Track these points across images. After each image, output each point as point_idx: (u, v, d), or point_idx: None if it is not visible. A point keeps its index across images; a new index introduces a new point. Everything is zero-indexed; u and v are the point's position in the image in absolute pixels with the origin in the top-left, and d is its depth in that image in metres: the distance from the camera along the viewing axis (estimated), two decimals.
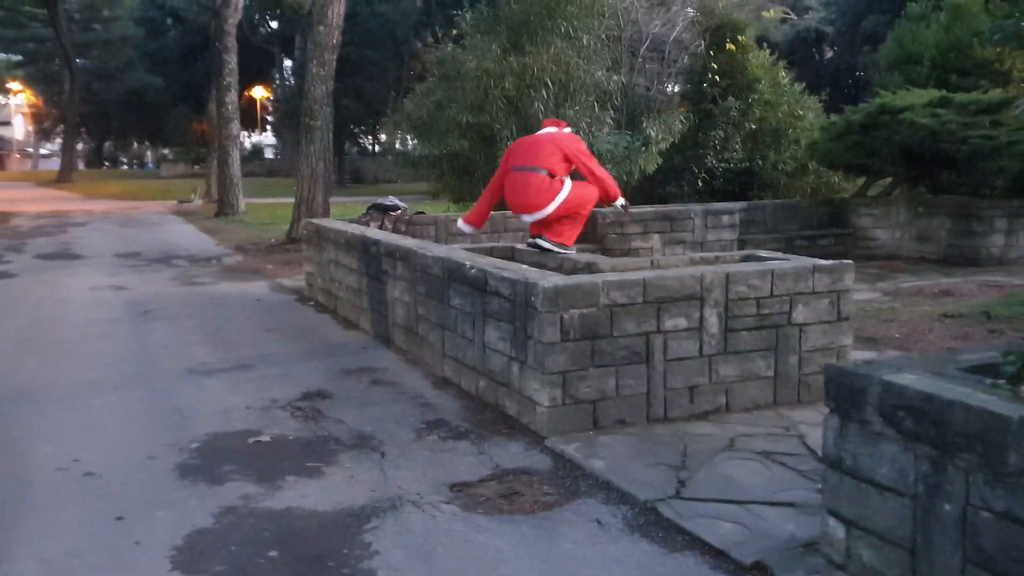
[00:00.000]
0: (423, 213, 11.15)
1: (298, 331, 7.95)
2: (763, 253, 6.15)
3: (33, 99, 56.40)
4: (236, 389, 5.91)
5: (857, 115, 12.36)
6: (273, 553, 3.49)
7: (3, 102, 61.10)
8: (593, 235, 10.89)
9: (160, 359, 6.89)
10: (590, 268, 5.57)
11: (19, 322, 8.44)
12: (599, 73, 11.58)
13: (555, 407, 4.72)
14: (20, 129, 72.02)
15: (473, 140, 11.28)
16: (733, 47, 14.08)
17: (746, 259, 5.92)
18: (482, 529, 3.69)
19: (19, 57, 51.85)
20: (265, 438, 4.89)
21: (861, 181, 13.99)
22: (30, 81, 53.35)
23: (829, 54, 32.18)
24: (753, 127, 14.22)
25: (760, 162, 14.14)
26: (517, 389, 5.00)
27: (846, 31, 30.52)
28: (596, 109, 11.46)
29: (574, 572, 3.33)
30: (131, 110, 50.67)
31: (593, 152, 11.36)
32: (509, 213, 10.12)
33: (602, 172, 6.69)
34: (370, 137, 48.08)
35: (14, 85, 53.90)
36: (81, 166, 54.55)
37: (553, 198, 6.35)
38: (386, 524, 3.74)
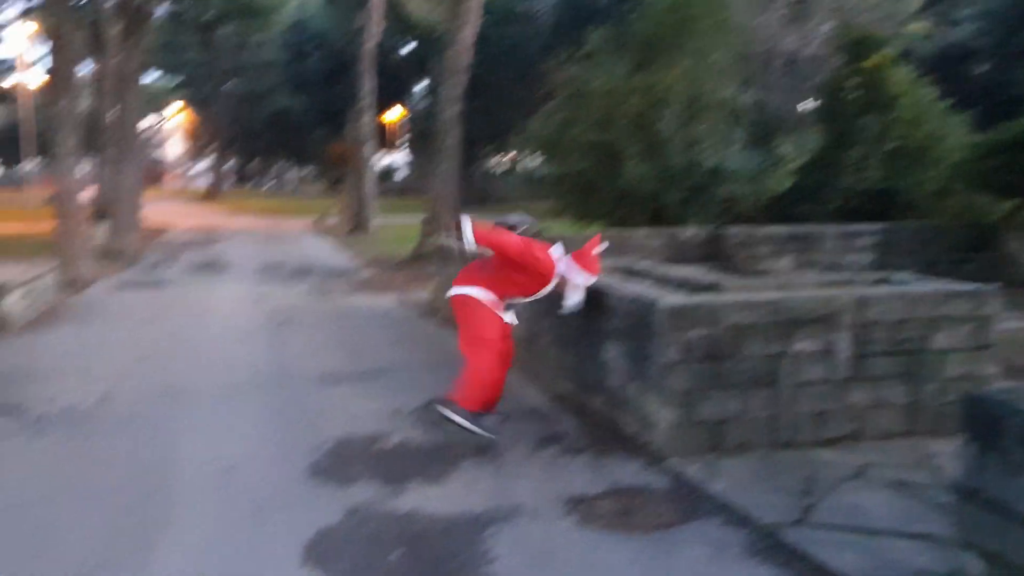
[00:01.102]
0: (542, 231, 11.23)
1: (423, 343, 8.19)
2: (899, 276, 5.89)
3: (189, 120, 60.68)
4: (364, 396, 6.17)
5: (1006, 134, 11.63)
6: (396, 554, 3.63)
7: (161, 124, 66.01)
8: (722, 255, 10.67)
9: (294, 366, 7.27)
10: (713, 288, 5.49)
11: (171, 327, 9.10)
12: (729, 91, 11.39)
13: (674, 427, 4.68)
14: (175, 149, 77.76)
15: (597, 158, 11.29)
16: (872, 63, 13.51)
17: (880, 282, 5.69)
18: (599, 543, 3.71)
19: (179, 79, 55.71)
20: (391, 443, 5.08)
21: (1011, 203, 13.09)
22: (185, 104, 57.38)
23: (982, 69, 30.30)
24: (893, 146, 13.57)
25: (900, 183, 13.48)
26: (636, 408, 4.99)
27: (998, 45, 28.73)
28: (725, 127, 11.25)
29: None
30: (275, 131, 53.61)
31: (720, 171, 11.19)
32: (627, 232, 10.10)
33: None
34: (498, 156, 48.89)
35: (173, 107, 58.07)
36: (228, 184, 58.06)
37: None
38: (504, 532, 3.81)
